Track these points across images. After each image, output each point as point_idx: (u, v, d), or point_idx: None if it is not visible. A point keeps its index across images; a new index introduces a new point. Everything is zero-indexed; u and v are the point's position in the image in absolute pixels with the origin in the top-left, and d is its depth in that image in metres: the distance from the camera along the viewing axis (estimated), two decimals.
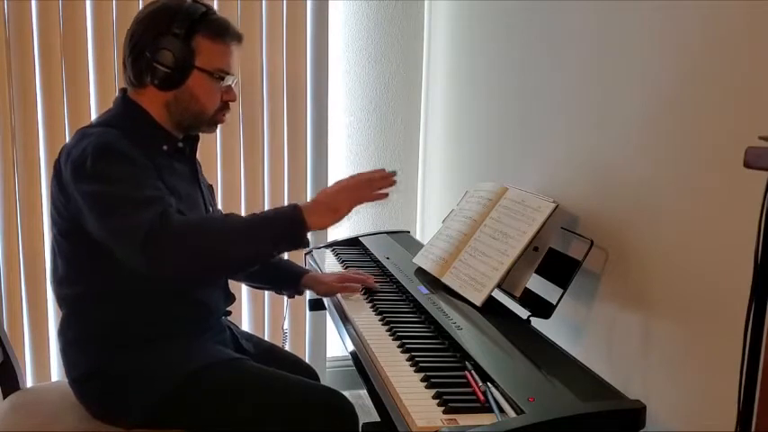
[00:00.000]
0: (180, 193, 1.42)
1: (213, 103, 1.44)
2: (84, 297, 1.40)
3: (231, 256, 1.30)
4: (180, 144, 1.47)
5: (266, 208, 2.52)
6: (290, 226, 1.30)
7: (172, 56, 1.36)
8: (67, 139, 2.25)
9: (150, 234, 1.21)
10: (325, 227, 1.35)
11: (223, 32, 1.42)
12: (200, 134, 1.54)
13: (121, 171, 1.30)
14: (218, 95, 1.45)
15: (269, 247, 1.32)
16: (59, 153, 1.39)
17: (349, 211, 1.34)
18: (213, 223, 1.36)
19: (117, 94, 1.48)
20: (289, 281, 1.74)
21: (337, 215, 1.33)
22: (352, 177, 1.39)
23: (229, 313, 1.63)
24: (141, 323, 1.39)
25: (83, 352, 1.40)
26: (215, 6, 2.31)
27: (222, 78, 1.43)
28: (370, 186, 1.37)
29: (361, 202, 1.36)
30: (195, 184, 1.52)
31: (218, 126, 1.52)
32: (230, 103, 1.48)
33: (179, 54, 1.37)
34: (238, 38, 1.45)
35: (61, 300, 1.43)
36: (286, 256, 2.64)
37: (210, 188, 1.64)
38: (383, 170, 1.40)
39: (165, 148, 1.43)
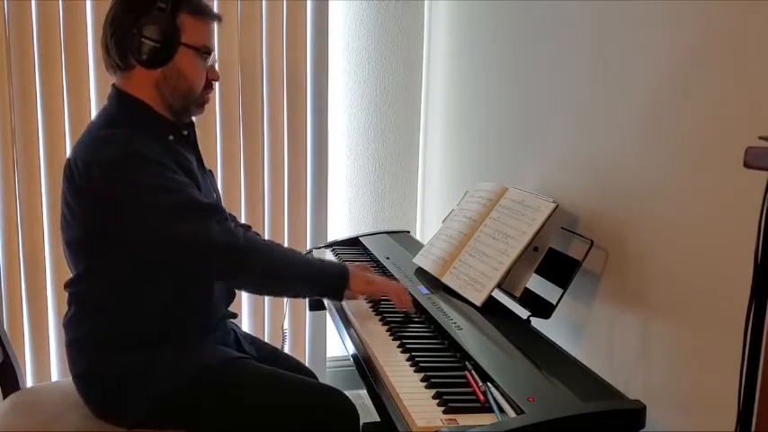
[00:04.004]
0: (198, 181, 1.44)
1: (200, 81, 1.45)
2: (94, 295, 1.40)
3: (286, 285, 1.47)
4: (184, 132, 1.48)
5: (266, 208, 2.53)
6: (338, 283, 1.47)
7: (159, 30, 1.35)
8: (68, 140, 2.26)
9: (224, 246, 1.34)
10: (359, 291, 1.51)
11: (204, 9, 1.43)
12: (196, 127, 1.54)
13: (168, 179, 1.34)
14: (204, 73, 1.46)
15: (313, 291, 1.52)
16: (72, 160, 1.36)
17: (380, 290, 1.52)
18: (283, 250, 1.46)
19: (110, 90, 1.45)
20: None
21: (370, 287, 1.50)
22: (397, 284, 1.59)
23: (235, 316, 1.62)
24: (143, 325, 1.39)
25: (86, 351, 1.40)
26: (215, 6, 2.31)
27: (207, 55, 1.44)
28: (403, 293, 1.52)
29: (390, 294, 1.52)
30: (202, 170, 1.53)
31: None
32: (213, 82, 1.49)
33: (166, 28, 1.36)
34: (218, 17, 1.47)
35: (71, 296, 1.43)
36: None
37: (210, 173, 1.63)
38: (412, 307, 1.54)
39: (171, 137, 1.43)
